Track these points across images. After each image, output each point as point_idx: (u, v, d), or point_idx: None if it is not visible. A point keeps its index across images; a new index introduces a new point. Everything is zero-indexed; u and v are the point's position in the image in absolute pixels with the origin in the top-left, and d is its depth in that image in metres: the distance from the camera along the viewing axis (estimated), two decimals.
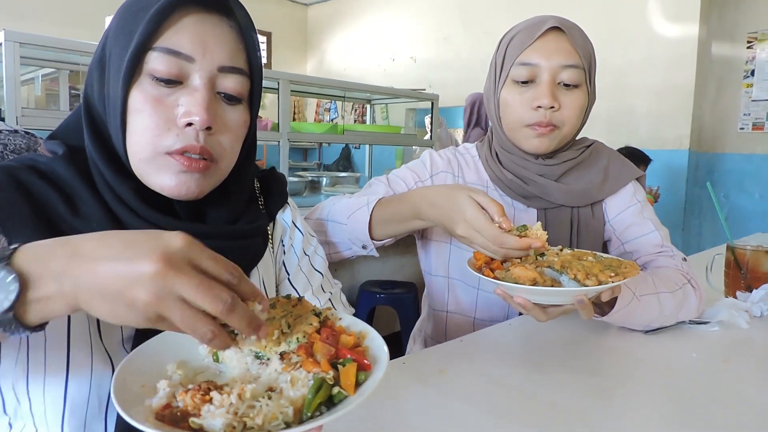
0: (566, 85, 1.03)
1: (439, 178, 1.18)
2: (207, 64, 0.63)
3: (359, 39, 6.75)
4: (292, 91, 3.98)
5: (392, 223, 1.01)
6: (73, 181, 0.64)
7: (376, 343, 0.53)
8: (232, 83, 0.65)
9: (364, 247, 1.05)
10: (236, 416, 0.43)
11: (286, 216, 0.87)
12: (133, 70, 0.61)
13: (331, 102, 6.85)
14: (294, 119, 7.10)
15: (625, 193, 1.14)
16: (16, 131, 1.17)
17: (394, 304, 2.65)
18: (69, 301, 0.43)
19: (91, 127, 0.65)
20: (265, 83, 2.86)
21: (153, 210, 0.64)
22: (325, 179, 3.62)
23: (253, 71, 0.69)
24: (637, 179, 1.17)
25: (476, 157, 1.22)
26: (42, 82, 2.28)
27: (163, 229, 0.49)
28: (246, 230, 0.74)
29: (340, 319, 0.57)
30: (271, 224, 0.84)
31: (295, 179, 3.43)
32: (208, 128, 0.63)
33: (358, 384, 0.47)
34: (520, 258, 0.85)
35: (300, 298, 0.58)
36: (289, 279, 0.85)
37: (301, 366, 0.48)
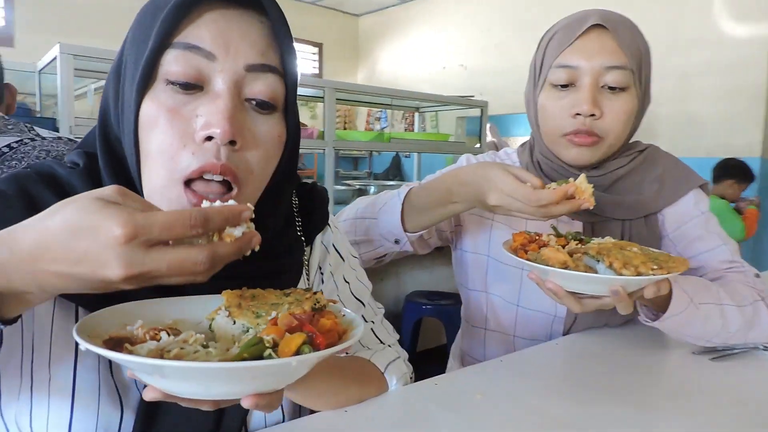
0: (611, 88, 0.93)
1: None
2: (231, 63, 0.54)
3: (410, 48, 6.73)
4: (342, 100, 4.00)
5: (425, 211, 0.96)
6: None
7: (355, 335, 0.48)
8: (263, 86, 0.56)
9: (396, 242, 0.99)
10: (161, 350, 0.43)
11: (326, 239, 0.77)
12: (149, 76, 0.54)
13: (381, 111, 6.85)
14: (345, 128, 7.15)
15: (685, 204, 1.03)
16: (59, 138, 1.19)
17: (440, 315, 2.58)
18: (40, 298, 0.44)
19: (105, 147, 0.59)
20: (311, 92, 2.87)
21: None
22: (372, 188, 3.60)
23: (288, 74, 0.59)
24: (700, 187, 1.06)
25: (517, 163, 1.14)
26: (95, 94, 2.36)
27: None
28: (275, 268, 0.65)
29: (344, 315, 0.52)
30: (308, 248, 0.75)
31: (343, 188, 3.43)
32: (233, 142, 0.53)
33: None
34: (564, 245, 0.81)
35: (316, 292, 0.53)
36: None
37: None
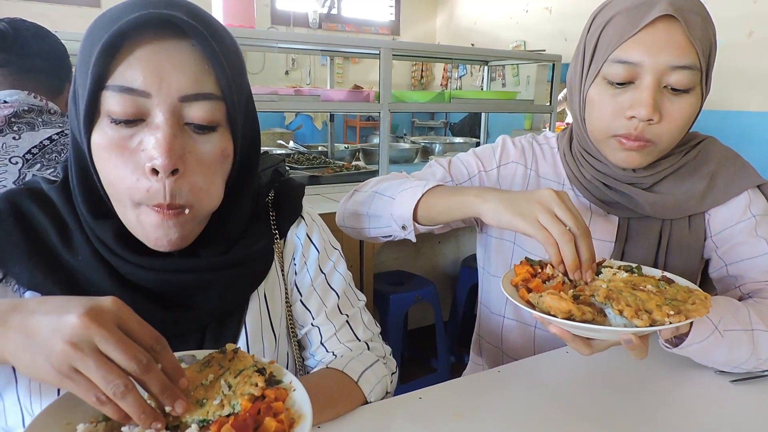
0: (674, 89, 0.81)
1: (507, 168, 1.05)
2: (165, 96, 0.57)
3: None
4: (417, 57, 3.85)
5: (438, 201, 0.88)
6: (65, 212, 0.65)
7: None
8: (199, 111, 0.59)
9: (403, 228, 0.92)
10: None
11: (299, 231, 0.82)
12: (92, 113, 0.59)
13: (457, 65, 6.58)
14: (421, 83, 6.98)
15: (736, 205, 0.92)
16: None
17: None
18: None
19: (76, 157, 0.64)
20: (366, 51, 2.79)
21: (134, 252, 0.63)
22: (437, 146, 3.51)
23: (225, 91, 0.61)
24: (758, 187, 0.93)
25: (555, 148, 1.06)
26: None
27: (147, 268, 0.63)
28: (239, 257, 0.70)
29: (294, 390, 0.52)
30: (282, 241, 0.80)
31: (407, 146, 3.38)
32: (176, 170, 0.58)
33: None
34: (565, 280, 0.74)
35: (236, 350, 0.54)
36: (302, 300, 0.81)
37: None
